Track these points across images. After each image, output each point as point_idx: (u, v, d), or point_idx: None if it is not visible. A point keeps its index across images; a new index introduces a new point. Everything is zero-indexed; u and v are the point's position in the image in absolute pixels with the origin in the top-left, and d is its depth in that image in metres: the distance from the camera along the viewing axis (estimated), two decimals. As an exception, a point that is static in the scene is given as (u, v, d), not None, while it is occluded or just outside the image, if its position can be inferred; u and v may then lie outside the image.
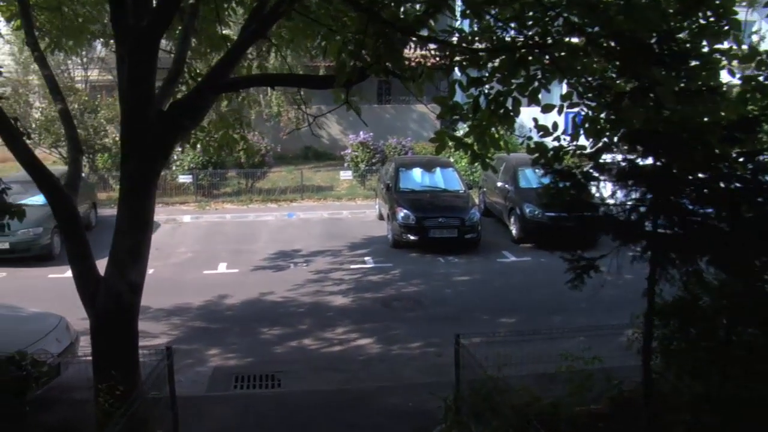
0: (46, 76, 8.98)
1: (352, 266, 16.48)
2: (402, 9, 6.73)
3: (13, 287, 14.96)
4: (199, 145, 11.08)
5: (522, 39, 6.29)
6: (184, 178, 24.29)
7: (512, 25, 6.31)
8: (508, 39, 6.46)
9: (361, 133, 25.23)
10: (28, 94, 26.80)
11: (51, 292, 13.70)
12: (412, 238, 17.53)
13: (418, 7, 7.08)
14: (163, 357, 7.98)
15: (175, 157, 24.09)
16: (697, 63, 6.11)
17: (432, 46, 6.64)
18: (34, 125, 25.63)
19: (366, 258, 17.19)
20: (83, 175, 22.78)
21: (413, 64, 6.71)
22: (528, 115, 7.63)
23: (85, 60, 29.70)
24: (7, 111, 21.67)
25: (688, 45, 6.12)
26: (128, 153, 7.11)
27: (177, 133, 7.40)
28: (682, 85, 5.86)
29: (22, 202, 14.07)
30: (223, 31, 10.26)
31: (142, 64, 6.79)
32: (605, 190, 6.83)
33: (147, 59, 6.80)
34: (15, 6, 10.11)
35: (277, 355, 11.23)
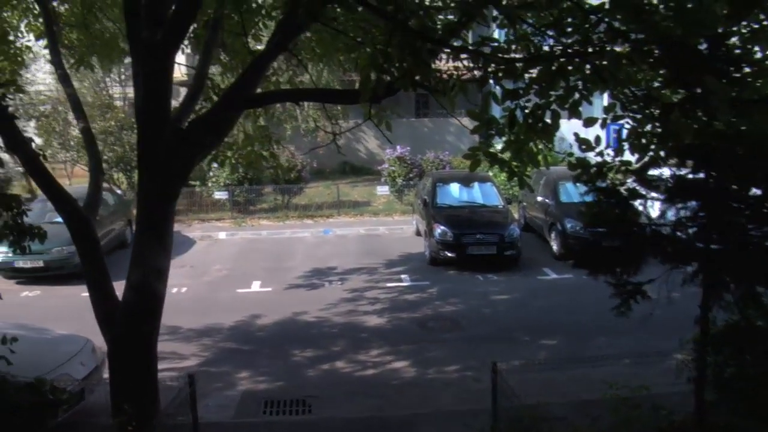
0: (69, 94, 8.83)
1: (388, 284, 16.07)
2: (435, 18, 6.33)
3: (46, 306, 14.88)
4: (227, 163, 10.80)
5: (561, 48, 5.87)
6: (220, 195, 24.15)
7: (550, 32, 5.88)
8: (545, 48, 6.04)
9: (398, 147, 24.90)
10: (67, 111, 26.95)
11: (83, 311, 13.40)
12: (449, 255, 17.09)
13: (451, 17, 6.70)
14: (185, 384, 7.66)
15: (211, 174, 23.97)
16: (750, 70, 5.64)
17: (464, 56, 6.24)
18: (72, 142, 25.77)
19: (402, 276, 16.77)
20: (120, 192, 22.88)
21: (445, 76, 6.33)
22: (568, 129, 7.20)
23: (123, 77, 29.85)
24: (46, 128, 21.82)
25: (738, 51, 5.66)
26: (144, 172, 6.83)
27: (196, 151, 7.09)
28: (734, 94, 5.41)
29: (59, 219, 14.11)
30: (257, 46, 10.00)
31: (156, 78, 6.51)
32: (653, 209, 6.38)
33: (161, 73, 6.51)
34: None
35: (308, 379, 10.86)
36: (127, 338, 7.17)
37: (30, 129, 26.11)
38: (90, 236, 7.42)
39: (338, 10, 7.65)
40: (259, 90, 8.72)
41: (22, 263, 16.53)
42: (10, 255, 15.53)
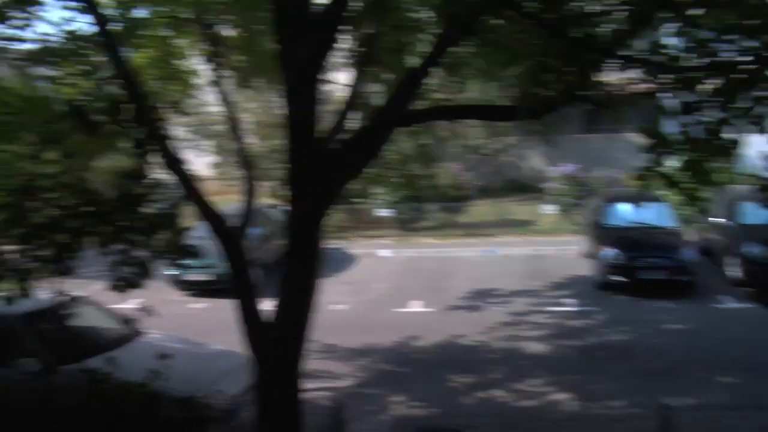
0: (226, 115, 8.94)
1: (552, 309, 15.35)
2: (598, 26, 5.77)
3: (211, 318, 15.29)
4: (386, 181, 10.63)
5: (746, 54, 5.17)
6: (383, 212, 24.16)
7: (731, 37, 5.17)
8: (726, 54, 5.34)
9: (565, 164, 24.03)
10: (241, 130, 27.91)
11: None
12: (619, 279, 16.09)
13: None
14: (333, 409, 7.48)
15: (374, 191, 24.03)
16: None
17: (633, 67, 5.64)
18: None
19: (567, 300, 15.98)
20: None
21: (613, 90, 5.78)
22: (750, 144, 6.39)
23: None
24: (222, 147, 22.70)
25: None
26: (292, 191, 6.69)
27: (345, 171, 6.88)
28: None
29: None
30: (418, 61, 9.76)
31: (302, 95, 6.36)
32: None
33: (308, 90, 6.35)
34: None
35: (463, 407, 10.42)
36: (271, 359, 7.06)
37: (207, 148, 27.28)
38: (239, 254, 7.42)
39: (497, 22, 7.24)
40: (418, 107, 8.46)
41: (192, 276, 17.15)
42: (182, 269, 16.28)
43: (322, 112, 6.84)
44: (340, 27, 6.61)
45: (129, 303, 10.69)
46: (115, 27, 7.47)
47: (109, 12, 7.53)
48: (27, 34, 7.18)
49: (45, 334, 9.48)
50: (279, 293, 6.99)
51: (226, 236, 7.42)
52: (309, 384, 8.34)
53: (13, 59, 7.90)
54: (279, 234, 19.69)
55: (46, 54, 7.52)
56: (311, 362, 8.47)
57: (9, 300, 7.72)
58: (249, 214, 8.29)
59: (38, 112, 7.25)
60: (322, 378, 10.84)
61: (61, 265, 7.72)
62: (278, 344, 7.15)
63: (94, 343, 9.66)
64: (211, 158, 26.67)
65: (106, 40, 7.07)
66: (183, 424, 7.30)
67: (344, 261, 20.36)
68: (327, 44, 6.46)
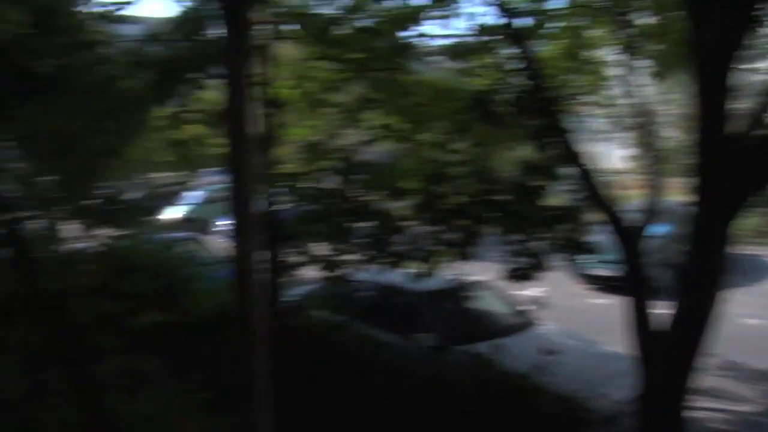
0: (640, 107, 8.61)
1: None
2: None
3: (611, 316, 14.74)
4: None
5: None
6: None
7: None
8: None
9: None
10: (653, 123, 26.80)
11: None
12: None
13: None
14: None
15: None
16: None
17: None
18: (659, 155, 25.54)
19: None
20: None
21: None
22: None
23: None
24: (632, 142, 21.97)
25: None
26: (697, 191, 6.12)
27: (763, 171, 6.10)
28: None
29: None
30: None
31: (711, 85, 5.75)
32: None
33: (718, 80, 5.72)
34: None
35: None
36: (662, 367, 6.61)
37: (621, 141, 26.75)
38: (635, 253, 7.07)
39: None
40: None
41: (597, 271, 16.91)
42: (587, 262, 16.18)
43: (739, 104, 6.16)
44: (759, 5, 5.83)
45: (530, 290, 10.80)
46: (524, 20, 7.53)
47: (519, 5, 7.61)
48: (440, 30, 7.62)
49: (443, 313, 10.02)
50: (678, 297, 6.52)
51: (623, 233, 7.13)
52: (702, 402, 7.70)
53: (427, 54, 8.40)
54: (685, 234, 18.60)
55: (458, 48, 7.87)
56: (708, 379, 7.82)
57: (417, 278, 8.31)
58: (653, 211, 7.89)
59: (448, 103, 7.63)
60: (718, 398, 9.95)
61: (464, 249, 8.08)
62: (671, 352, 6.67)
63: (486, 327, 9.96)
64: (625, 151, 26.09)
65: (515, 33, 7.17)
66: (564, 423, 7.23)
67: (763, 270, 18.50)
68: (742, 26, 5.74)
